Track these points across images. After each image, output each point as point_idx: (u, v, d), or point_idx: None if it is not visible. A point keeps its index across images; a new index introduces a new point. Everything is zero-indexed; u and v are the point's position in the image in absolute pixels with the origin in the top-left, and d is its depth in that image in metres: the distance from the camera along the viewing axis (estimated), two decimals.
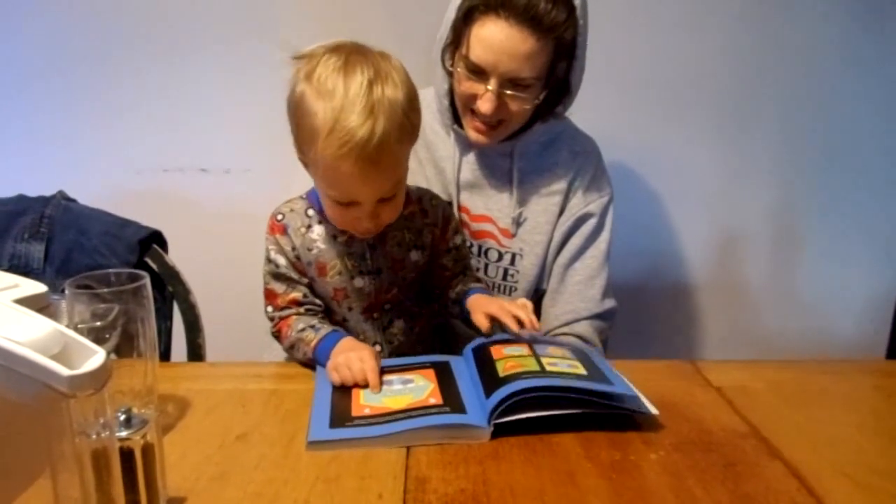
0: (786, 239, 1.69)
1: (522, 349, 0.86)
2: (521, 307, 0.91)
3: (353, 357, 0.85)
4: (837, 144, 1.63)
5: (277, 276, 0.95)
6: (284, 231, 0.95)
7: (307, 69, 0.82)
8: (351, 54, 0.82)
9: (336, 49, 0.83)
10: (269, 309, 0.97)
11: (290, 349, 0.94)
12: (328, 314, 0.99)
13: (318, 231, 0.95)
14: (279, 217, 0.95)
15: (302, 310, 0.96)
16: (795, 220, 1.68)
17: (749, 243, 1.69)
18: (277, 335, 0.96)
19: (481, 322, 0.92)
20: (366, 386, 0.83)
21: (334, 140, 0.79)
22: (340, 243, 0.95)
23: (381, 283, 0.97)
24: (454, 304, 1.03)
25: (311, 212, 0.96)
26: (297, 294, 0.95)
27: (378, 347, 1.00)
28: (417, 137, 0.89)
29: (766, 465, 0.70)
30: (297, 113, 0.83)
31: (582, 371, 0.80)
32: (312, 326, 0.93)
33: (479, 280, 1.09)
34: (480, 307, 0.94)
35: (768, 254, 1.70)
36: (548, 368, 0.80)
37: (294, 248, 0.94)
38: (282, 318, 0.95)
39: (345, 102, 0.79)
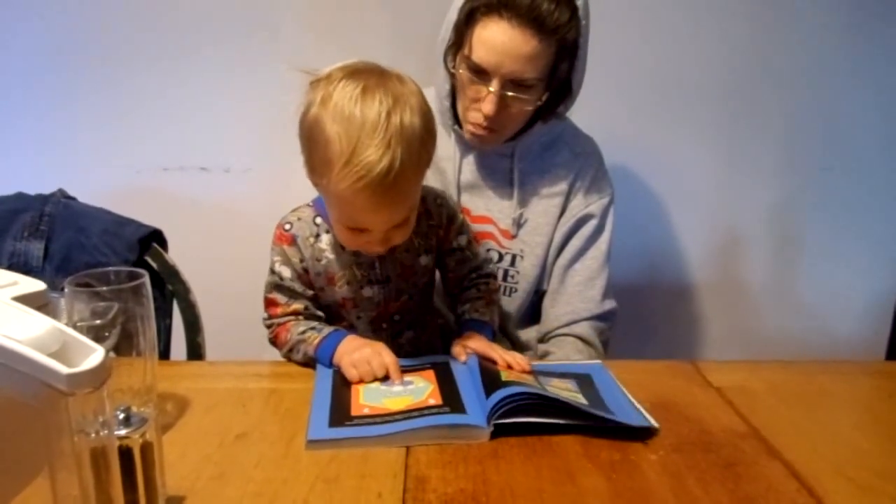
0: (786, 239, 1.69)
1: (526, 376, 0.85)
2: (511, 353, 0.89)
3: (369, 353, 0.85)
4: (838, 145, 1.63)
5: (280, 288, 0.94)
6: (293, 241, 0.92)
7: (323, 93, 0.79)
8: (369, 79, 0.79)
9: (353, 74, 0.80)
10: (266, 316, 0.96)
11: (289, 352, 0.93)
12: (336, 322, 0.98)
13: (326, 240, 0.93)
14: (287, 227, 0.93)
15: (301, 317, 0.94)
16: (795, 221, 1.68)
17: (749, 244, 1.69)
18: (274, 341, 0.95)
19: (457, 353, 0.90)
20: (385, 379, 0.84)
21: (351, 173, 0.76)
22: (349, 253, 0.93)
23: (390, 292, 0.96)
24: (456, 321, 1.01)
25: (318, 220, 0.94)
26: (298, 306, 0.94)
27: None
28: (431, 162, 0.86)
29: (765, 466, 0.70)
30: (311, 138, 0.81)
31: (583, 401, 0.79)
32: (313, 328, 0.92)
33: (492, 298, 1.04)
34: (465, 342, 0.92)
35: (768, 254, 1.70)
36: (549, 390, 0.79)
37: (303, 260, 0.93)
38: (280, 325, 0.94)
39: (361, 133, 0.76)
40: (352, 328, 0.97)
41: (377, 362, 0.85)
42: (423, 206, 0.96)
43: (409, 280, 0.97)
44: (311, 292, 0.95)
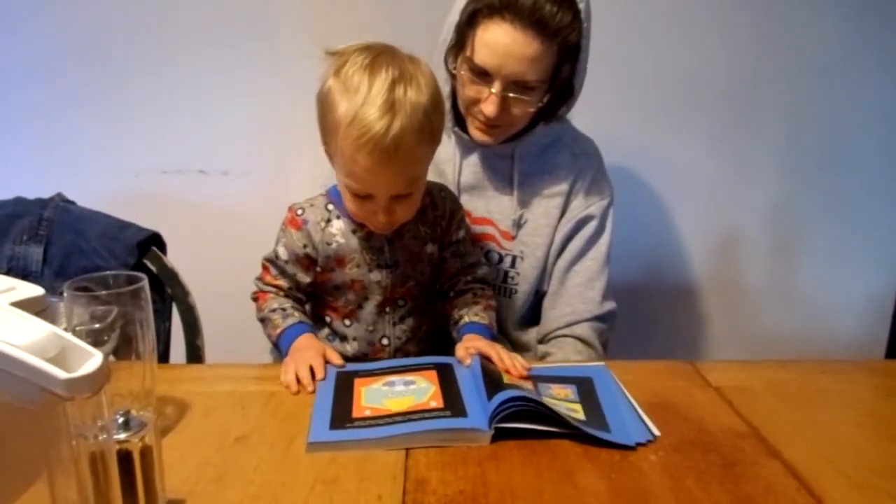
0: (785, 239, 1.69)
1: (526, 382, 0.85)
2: (511, 355, 0.89)
3: (302, 357, 0.88)
4: (837, 145, 1.63)
5: (273, 263, 1.00)
6: (302, 226, 0.97)
7: (337, 65, 0.86)
8: (380, 55, 0.85)
9: (367, 48, 0.87)
10: (258, 277, 1.02)
11: (261, 322, 1.00)
12: (343, 305, 1.01)
13: (337, 225, 0.97)
14: (299, 212, 0.98)
15: (282, 294, 1.00)
16: (795, 221, 1.68)
17: (749, 244, 1.69)
18: (255, 301, 1.02)
19: (461, 356, 0.90)
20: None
21: (353, 131, 0.82)
22: (359, 237, 0.97)
23: (397, 277, 0.99)
24: (454, 327, 1.02)
25: (330, 207, 0.98)
26: (282, 283, 1.00)
27: (385, 341, 1.02)
28: (440, 141, 0.91)
29: (765, 465, 0.70)
30: (324, 106, 0.88)
31: (581, 416, 0.78)
32: (283, 309, 0.97)
33: (490, 304, 1.04)
34: (467, 343, 0.93)
35: (768, 254, 1.70)
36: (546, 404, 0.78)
37: (306, 245, 0.97)
38: (262, 290, 1.01)
39: (367, 98, 0.82)
40: (359, 308, 1.00)
41: (292, 376, 0.86)
42: (430, 197, 1.01)
43: (415, 267, 1.00)
44: (305, 279, 0.99)
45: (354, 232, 0.97)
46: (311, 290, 1.02)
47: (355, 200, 0.91)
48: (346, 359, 0.97)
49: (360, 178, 0.86)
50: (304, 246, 0.97)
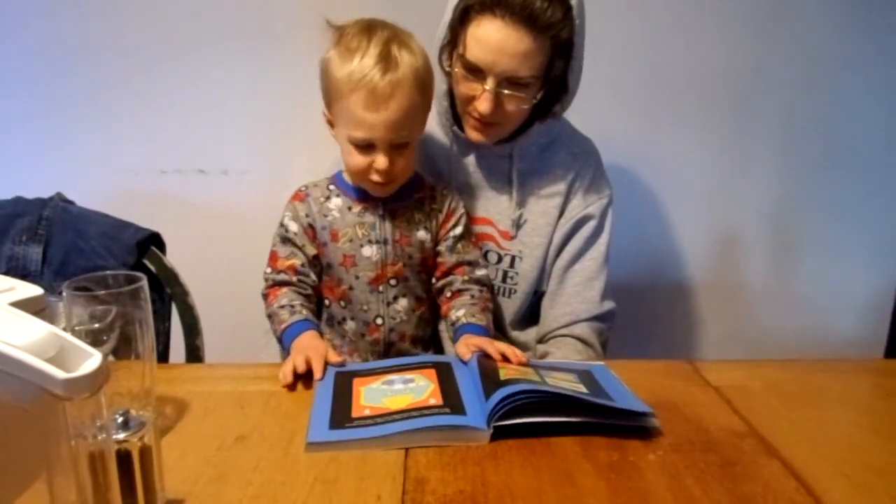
0: (784, 238, 1.69)
1: (526, 369, 0.85)
2: (509, 346, 0.90)
3: (300, 355, 0.88)
4: (836, 144, 1.63)
5: (284, 240, 1.03)
6: (304, 199, 1.03)
7: (337, 36, 0.94)
8: (375, 22, 0.94)
9: (363, 19, 0.95)
10: (268, 270, 1.03)
11: (269, 318, 1.01)
12: (336, 285, 1.03)
13: (335, 202, 1.03)
14: (303, 188, 1.05)
15: (295, 279, 1.01)
16: (794, 220, 1.68)
17: (748, 243, 1.69)
18: (265, 298, 1.03)
19: (462, 353, 0.91)
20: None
21: (354, 79, 0.90)
22: (354, 213, 1.02)
23: (387, 254, 1.02)
24: (451, 327, 1.02)
25: (332, 187, 1.04)
26: (296, 261, 1.02)
27: (380, 321, 1.04)
28: (430, 102, 0.98)
29: (764, 465, 0.70)
30: (326, 71, 0.94)
31: (584, 390, 0.79)
32: (292, 306, 0.98)
33: (487, 305, 1.05)
34: (467, 340, 0.93)
35: (767, 253, 1.70)
36: (549, 382, 0.79)
37: (308, 215, 1.02)
38: (274, 283, 1.02)
39: (365, 53, 0.90)
40: (350, 289, 1.03)
41: (292, 367, 0.86)
42: (431, 191, 1.06)
43: (405, 248, 1.03)
44: (312, 251, 1.02)
45: (350, 209, 1.02)
46: (320, 268, 1.04)
47: (358, 153, 0.95)
48: (347, 339, 1.01)
49: (361, 122, 0.91)
50: (306, 215, 1.02)
